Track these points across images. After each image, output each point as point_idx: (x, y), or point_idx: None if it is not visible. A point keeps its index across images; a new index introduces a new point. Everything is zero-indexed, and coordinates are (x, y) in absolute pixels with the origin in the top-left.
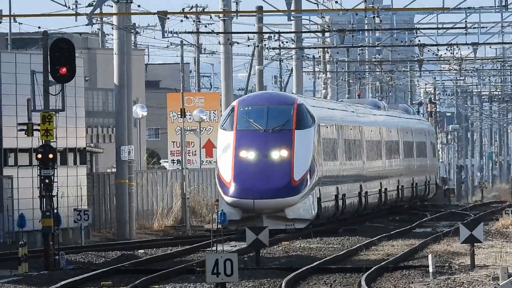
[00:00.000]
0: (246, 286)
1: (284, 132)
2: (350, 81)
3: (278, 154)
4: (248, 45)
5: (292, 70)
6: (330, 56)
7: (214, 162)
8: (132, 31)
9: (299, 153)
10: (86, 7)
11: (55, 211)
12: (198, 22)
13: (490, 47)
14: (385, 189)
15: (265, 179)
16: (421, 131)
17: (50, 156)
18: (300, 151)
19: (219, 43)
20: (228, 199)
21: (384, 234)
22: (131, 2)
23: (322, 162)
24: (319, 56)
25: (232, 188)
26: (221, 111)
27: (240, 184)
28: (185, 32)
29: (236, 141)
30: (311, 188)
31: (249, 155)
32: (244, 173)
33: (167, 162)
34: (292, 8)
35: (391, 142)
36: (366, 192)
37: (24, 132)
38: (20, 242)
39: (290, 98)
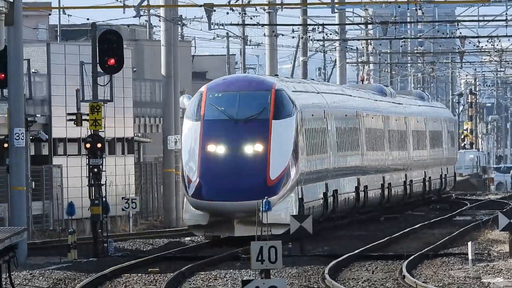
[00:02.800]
0: (290, 273)
1: (259, 122)
2: (393, 72)
3: (252, 148)
4: (293, 37)
5: (335, 61)
6: (373, 47)
7: None
8: (179, 23)
9: (276, 147)
10: None
11: (104, 199)
12: (243, 14)
13: None
14: (389, 184)
15: (236, 178)
16: (437, 119)
17: (99, 145)
18: (277, 144)
19: (264, 35)
20: (193, 200)
21: (425, 222)
22: None
23: (305, 157)
24: (362, 48)
25: (197, 188)
26: None
27: (207, 184)
28: (231, 24)
29: (203, 133)
30: (291, 187)
31: (218, 149)
32: (212, 171)
33: None
34: (336, 0)
35: (397, 131)
36: (366, 187)
37: (73, 122)
38: (69, 230)
39: (267, 82)
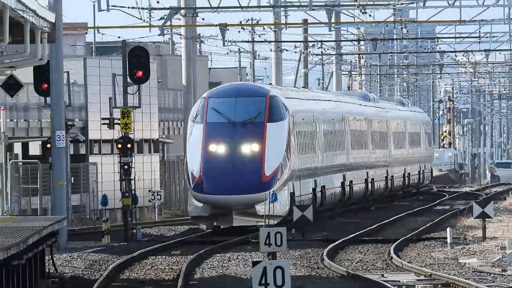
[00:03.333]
0: (293, 255)
1: (255, 125)
2: (382, 82)
3: (248, 148)
4: (295, 52)
5: (332, 73)
6: (365, 61)
7: None
8: (197, 40)
9: (270, 147)
10: (159, 20)
11: (133, 192)
12: (253, 33)
13: (499, 53)
14: (372, 179)
15: (234, 174)
16: (415, 122)
17: (129, 145)
18: (272, 145)
19: (271, 50)
20: (197, 195)
21: (409, 211)
22: (197, 16)
23: (297, 156)
24: (355, 61)
25: (200, 184)
26: None
27: (209, 179)
28: (242, 41)
29: (205, 134)
30: (284, 183)
31: (218, 148)
32: (213, 168)
33: None
34: (333, 20)
35: (379, 132)
36: (351, 182)
37: (106, 125)
38: (103, 218)
39: (262, 89)
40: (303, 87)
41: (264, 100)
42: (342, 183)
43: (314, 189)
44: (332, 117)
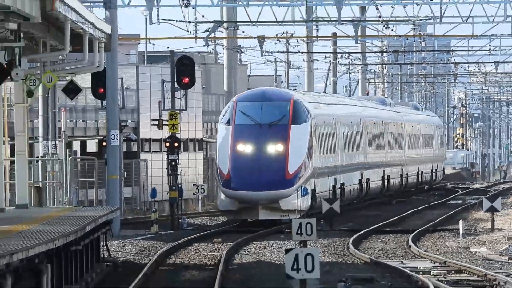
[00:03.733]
0: (322, 243)
1: (280, 126)
2: (402, 89)
3: (274, 148)
4: (325, 62)
5: (358, 81)
6: (387, 70)
7: None
8: (237, 50)
9: (294, 147)
10: (203, 32)
11: (179, 186)
12: (287, 44)
13: (508, 64)
14: (388, 176)
15: (260, 172)
16: (428, 125)
17: (176, 144)
18: (295, 145)
19: (303, 60)
20: (226, 191)
21: (426, 205)
22: (237, 29)
23: (318, 156)
24: (379, 71)
25: (229, 180)
26: None
27: (237, 177)
28: (278, 52)
29: (234, 135)
30: (305, 180)
31: (246, 148)
32: (241, 166)
33: None
34: (359, 34)
35: (395, 134)
36: (368, 179)
37: (156, 126)
38: (152, 209)
39: (287, 94)
40: (324, 92)
41: (288, 104)
42: (360, 180)
43: (334, 186)
44: (351, 120)
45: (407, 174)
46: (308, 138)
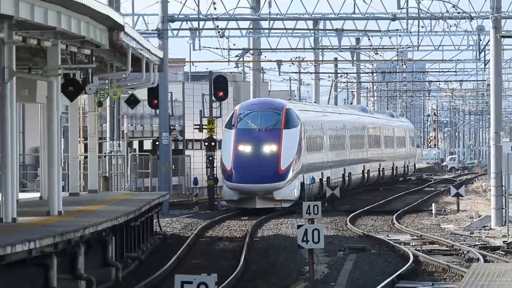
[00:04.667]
0: (326, 220)
1: (274, 131)
2: (388, 102)
3: (269, 148)
4: (329, 80)
5: (354, 95)
6: (376, 87)
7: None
8: (261, 71)
9: (286, 148)
10: (235, 56)
11: (215, 175)
12: (299, 66)
13: (469, 82)
14: (368, 170)
15: (258, 168)
16: (401, 129)
17: (212, 143)
18: (286, 146)
19: (312, 79)
20: (229, 183)
21: (406, 191)
22: (261, 54)
23: (306, 154)
24: (370, 87)
25: (232, 175)
26: None
27: (238, 172)
28: (292, 72)
29: (236, 137)
30: (295, 175)
31: (246, 148)
32: (242, 163)
33: None
34: (355, 59)
35: (373, 136)
36: (350, 173)
37: (197, 129)
38: (194, 194)
39: (280, 104)
40: (315, 102)
41: (281, 112)
42: (343, 175)
43: (321, 179)
44: (335, 124)
45: (383, 168)
46: (298, 140)
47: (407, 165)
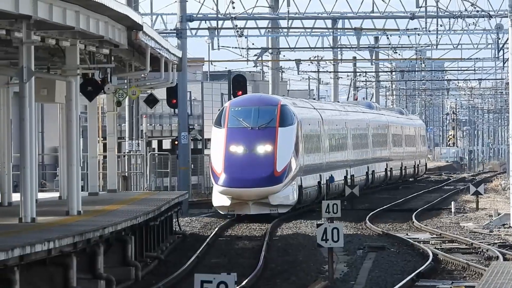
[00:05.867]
0: (346, 219)
1: (268, 129)
2: (407, 100)
3: (263, 148)
4: (348, 79)
5: (373, 94)
6: (395, 86)
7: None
8: (279, 70)
9: (281, 148)
10: (253, 56)
11: None
12: (318, 65)
13: (488, 81)
14: (373, 171)
15: (251, 170)
16: (411, 127)
17: None
18: (282, 146)
19: (331, 78)
20: (219, 188)
21: (425, 190)
22: (279, 53)
23: (304, 155)
24: (389, 86)
25: (222, 178)
26: None
27: (230, 175)
28: (311, 71)
29: (227, 137)
30: (293, 177)
31: (238, 149)
32: (234, 165)
33: None
34: (374, 58)
35: (379, 134)
36: (353, 175)
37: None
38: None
39: (274, 99)
40: (314, 99)
41: (275, 109)
42: (345, 177)
43: (319, 183)
44: (335, 122)
45: (391, 168)
46: (294, 139)
47: (417, 165)
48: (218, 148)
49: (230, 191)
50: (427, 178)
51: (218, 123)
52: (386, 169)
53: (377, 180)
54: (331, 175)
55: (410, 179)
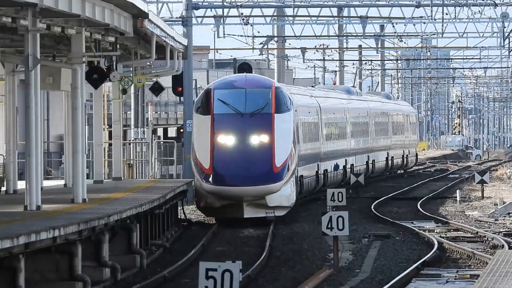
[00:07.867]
0: (351, 207)
1: (263, 115)
2: (412, 89)
3: (258, 139)
4: (353, 67)
5: (379, 82)
6: (401, 74)
7: None
8: (285, 58)
9: (279, 138)
10: (259, 44)
11: None
12: (324, 54)
13: (494, 69)
14: (351, 165)
15: (246, 165)
16: (399, 113)
17: None
18: (280, 135)
19: (336, 66)
20: (208, 186)
21: (431, 178)
22: (285, 41)
23: (302, 144)
24: (395, 74)
25: (211, 175)
26: None
27: (220, 171)
28: (317, 60)
29: (214, 126)
30: (293, 172)
31: (228, 140)
32: (224, 159)
33: None
34: (379, 46)
35: (360, 123)
36: (352, 165)
37: None
38: None
39: (267, 81)
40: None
41: (270, 91)
42: (344, 166)
43: (317, 172)
44: (307, 109)
45: (373, 161)
46: (293, 127)
47: (407, 155)
48: (204, 139)
49: (221, 190)
50: (418, 171)
51: (202, 109)
52: (367, 161)
53: (358, 173)
54: (337, 163)
55: (398, 171)
